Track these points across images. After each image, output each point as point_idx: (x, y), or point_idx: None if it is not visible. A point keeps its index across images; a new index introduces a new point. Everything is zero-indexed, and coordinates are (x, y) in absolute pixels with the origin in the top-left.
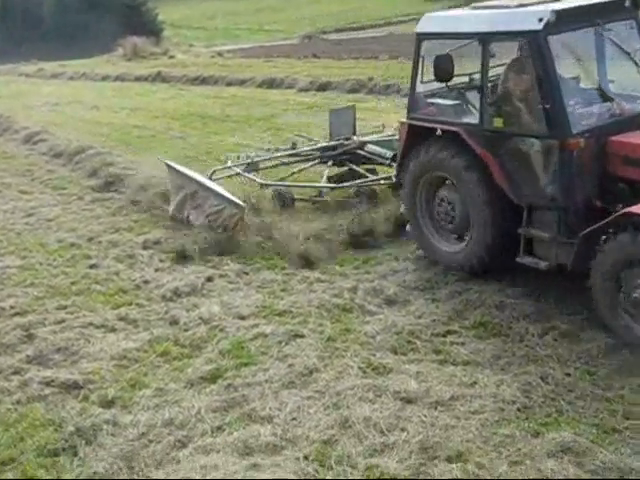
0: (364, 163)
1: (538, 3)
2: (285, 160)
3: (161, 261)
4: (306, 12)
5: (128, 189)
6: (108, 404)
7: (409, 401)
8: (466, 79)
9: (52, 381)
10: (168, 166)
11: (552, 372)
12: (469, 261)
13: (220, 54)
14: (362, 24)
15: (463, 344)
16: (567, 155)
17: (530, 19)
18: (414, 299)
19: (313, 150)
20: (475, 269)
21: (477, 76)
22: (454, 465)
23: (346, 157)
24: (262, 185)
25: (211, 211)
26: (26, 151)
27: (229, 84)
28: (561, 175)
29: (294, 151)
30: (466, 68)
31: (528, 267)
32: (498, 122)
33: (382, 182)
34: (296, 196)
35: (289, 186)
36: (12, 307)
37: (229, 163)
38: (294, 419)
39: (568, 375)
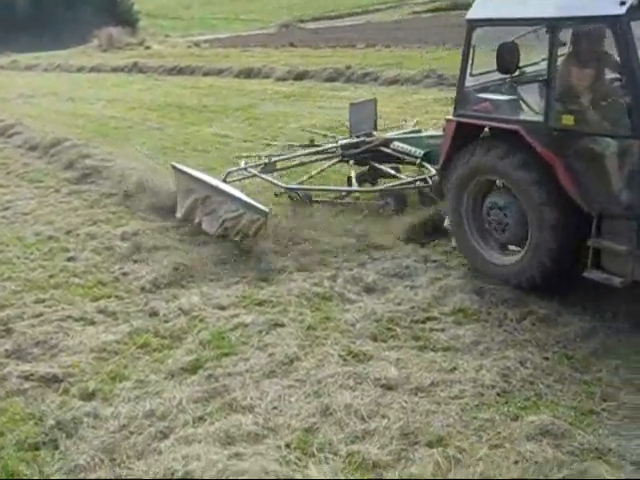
0: (385, 161)
1: None
2: (305, 159)
3: (140, 252)
4: (283, 1)
5: (106, 180)
6: (88, 397)
7: (389, 388)
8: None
9: (31, 375)
10: (175, 169)
11: (531, 356)
12: (527, 272)
13: (197, 44)
14: (339, 13)
15: (442, 330)
16: None
17: (610, 3)
18: (393, 286)
19: (335, 148)
20: (536, 281)
21: (532, 68)
22: (435, 450)
23: (368, 155)
24: (286, 189)
25: (227, 217)
26: (1, 144)
27: (206, 74)
28: None
29: (314, 149)
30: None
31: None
32: (567, 119)
33: (418, 185)
34: (314, 198)
35: (319, 190)
36: None
37: (242, 164)
38: (275, 408)
39: (546, 359)
